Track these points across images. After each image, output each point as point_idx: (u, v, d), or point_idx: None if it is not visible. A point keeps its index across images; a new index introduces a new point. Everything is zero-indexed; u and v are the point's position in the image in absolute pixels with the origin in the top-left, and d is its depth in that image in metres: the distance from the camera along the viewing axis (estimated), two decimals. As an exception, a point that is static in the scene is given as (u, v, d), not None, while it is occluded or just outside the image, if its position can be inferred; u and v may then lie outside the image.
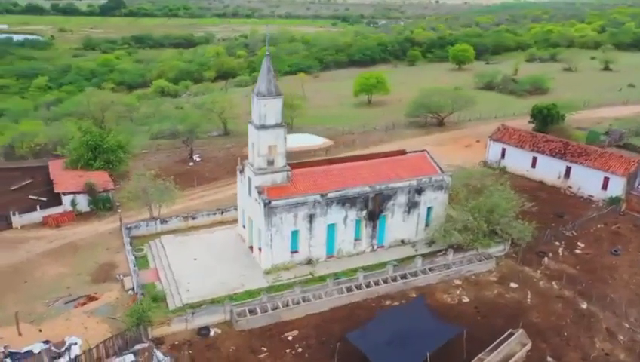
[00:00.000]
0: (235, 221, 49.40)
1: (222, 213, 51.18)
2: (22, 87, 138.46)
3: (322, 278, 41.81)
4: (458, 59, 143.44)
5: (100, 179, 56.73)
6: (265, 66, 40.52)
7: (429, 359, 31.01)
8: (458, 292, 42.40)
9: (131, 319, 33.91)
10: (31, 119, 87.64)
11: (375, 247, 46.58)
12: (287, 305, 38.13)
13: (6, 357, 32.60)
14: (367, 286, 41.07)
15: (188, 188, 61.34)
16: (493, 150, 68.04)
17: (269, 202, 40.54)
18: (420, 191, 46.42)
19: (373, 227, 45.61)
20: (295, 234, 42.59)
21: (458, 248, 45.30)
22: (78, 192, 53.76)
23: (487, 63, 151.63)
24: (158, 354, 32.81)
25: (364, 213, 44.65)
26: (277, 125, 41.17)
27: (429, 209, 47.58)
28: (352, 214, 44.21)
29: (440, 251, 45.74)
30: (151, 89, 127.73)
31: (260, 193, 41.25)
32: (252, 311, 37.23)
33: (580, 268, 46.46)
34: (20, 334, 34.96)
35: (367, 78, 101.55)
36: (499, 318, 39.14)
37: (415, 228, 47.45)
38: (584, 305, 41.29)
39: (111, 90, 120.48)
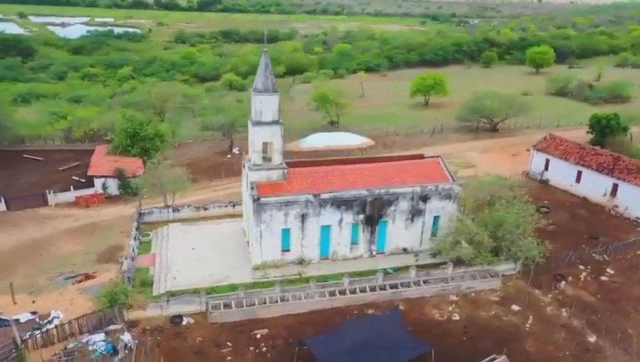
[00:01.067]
0: (243, 215, 50.16)
1: (233, 206, 52.04)
2: (108, 76, 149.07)
3: (312, 279, 41.21)
4: (535, 62, 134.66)
5: (132, 165, 59.94)
6: (262, 63, 40.58)
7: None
8: (450, 308, 40.02)
9: (104, 300, 35.54)
10: (100, 106, 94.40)
11: (374, 253, 45.15)
12: (264, 303, 38.10)
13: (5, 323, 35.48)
14: (353, 292, 39.93)
15: (216, 180, 63.12)
16: (537, 161, 63.32)
17: (259, 198, 40.64)
18: (424, 198, 44.29)
19: (372, 232, 44.24)
20: (286, 232, 42.37)
21: (461, 262, 42.73)
22: (109, 176, 57.14)
23: (571, 67, 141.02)
24: (125, 336, 34.15)
25: (361, 217, 43.43)
26: (273, 122, 41.10)
27: (436, 218, 45.28)
28: (349, 217, 43.16)
29: (444, 263, 43.36)
30: (220, 82, 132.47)
31: (251, 188, 41.49)
32: (227, 306, 37.59)
33: (601, 297, 42.09)
34: (14, 303, 37.89)
35: (424, 79, 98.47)
36: (487, 341, 36.45)
37: (419, 237, 45.38)
38: (592, 338, 37.34)
39: (183, 82, 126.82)
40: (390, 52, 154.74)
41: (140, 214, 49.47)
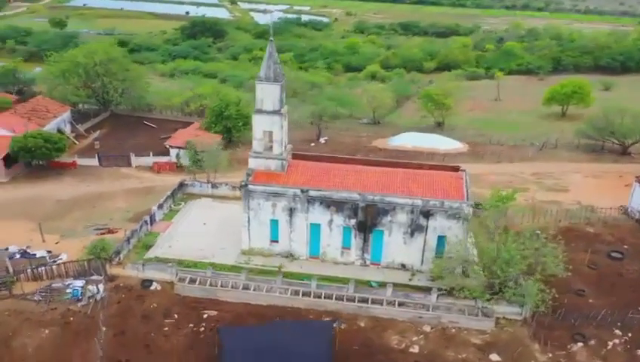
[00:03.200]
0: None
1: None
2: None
3: (289, 275, 40.72)
4: None
5: (210, 141, 65.00)
6: (267, 52, 40.64)
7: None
8: (415, 338, 35.96)
9: (87, 252, 40.15)
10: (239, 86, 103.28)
11: (367, 262, 42.39)
12: (225, 286, 38.96)
13: (20, 254, 42.71)
14: (318, 296, 38.37)
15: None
16: (638, 196, 51.63)
17: (246, 185, 41.28)
18: (427, 214, 39.96)
19: (365, 240, 41.56)
20: (275, 223, 42.25)
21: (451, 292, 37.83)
22: (183, 148, 62.98)
23: None
24: (92, 287, 38.34)
25: (353, 221, 41.09)
26: (274, 112, 41.03)
27: (442, 238, 40.53)
28: (339, 220, 41.20)
29: (440, 289, 38.60)
30: (362, 73, 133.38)
31: (246, 175, 42.28)
32: (193, 281, 39.36)
33: (622, 377, 33.65)
34: (43, 241, 44.97)
35: (562, 87, 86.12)
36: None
37: (420, 256, 41.18)
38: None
39: (324, 70, 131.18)
40: (560, 54, 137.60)
41: (182, 185, 53.75)
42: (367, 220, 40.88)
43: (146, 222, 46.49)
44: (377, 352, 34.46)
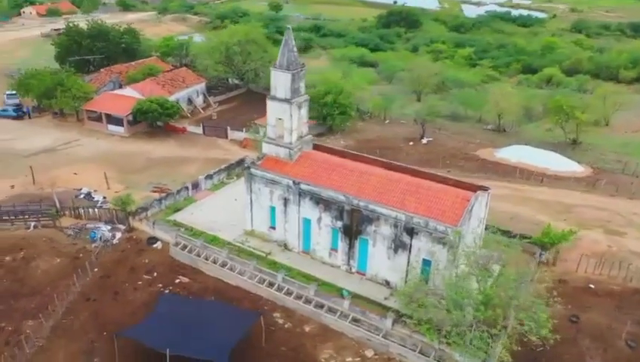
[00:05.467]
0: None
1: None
2: (451, 54, 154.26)
3: (273, 264, 40.88)
4: None
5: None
6: (283, 40, 40.31)
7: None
8: (349, 359, 33.25)
9: (114, 203, 45.91)
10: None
11: (353, 270, 39.87)
12: (206, 259, 40.96)
13: (84, 195, 50.96)
14: (280, 290, 37.87)
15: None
16: None
17: (249, 168, 42.24)
18: (410, 231, 35.77)
19: (350, 246, 39.11)
20: (273, 210, 42.45)
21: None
22: (269, 128, 66.21)
23: None
24: (106, 232, 44.09)
25: (339, 224, 39.00)
26: (285, 100, 40.79)
27: (428, 262, 35.94)
28: (327, 219, 39.49)
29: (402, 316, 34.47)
30: (535, 76, 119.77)
31: (257, 158, 43.21)
32: (185, 247, 42.26)
33: None
34: (108, 188, 52.71)
35: None
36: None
37: (404, 275, 37.15)
38: None
39: (491, 69, 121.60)
40: None
41: (241, 161, 56.88)
42: (352, 225, 38.45)
43: (187, 188, 50.92)
44: (302, 361, 32.88)
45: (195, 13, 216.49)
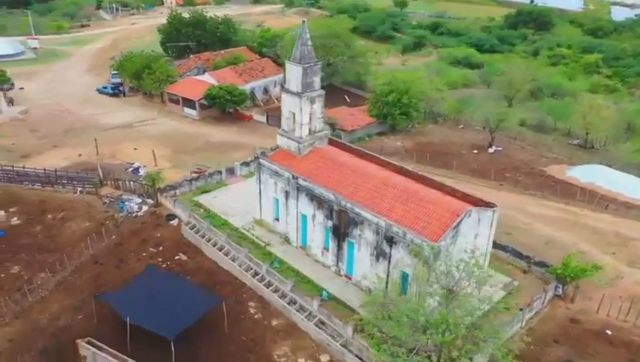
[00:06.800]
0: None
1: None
2: (574, 60, 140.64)
3: (268, 254, 41.29)
4: None
5: (354, 122, 66.53)
6: (299, 33, 40.02)
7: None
8: (301, 361, 32.47)
9: (146, 179, 49.24)
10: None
11: (341, 272, 38.71)
12: (208, 241, 42.46)
13: (132, 170, 55.36)
14: (262, 281, 38.09)
15: (431, 167, 59.14)
16: None
17: (257, 158, 42.78)
18: (390, 240, 33.77)
19: (339, 247, 37.99)
20: (277, 202, 42.61)
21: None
22: (327, 123, 66.15)
23: None
24: (134, 205, 47.58)
25: (330, 223, 38.06)
26: (296, 93, 40.58)
27: (406, 275, 33.74)
28: (320, 217, 38.76)
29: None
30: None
31: (270, 148, 43.64)
32: (193, 227, 44.19)
33: None
34: (155, 165, 56.62)
35: None
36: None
37: (384, 286, 35.20)
38: None
39: (609, 78, 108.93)
40: None
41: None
42: (340, 226, 37.33)
43: (220, 172, 53.01)
44: (255, 353, 32.93)
45: (319, 7, 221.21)
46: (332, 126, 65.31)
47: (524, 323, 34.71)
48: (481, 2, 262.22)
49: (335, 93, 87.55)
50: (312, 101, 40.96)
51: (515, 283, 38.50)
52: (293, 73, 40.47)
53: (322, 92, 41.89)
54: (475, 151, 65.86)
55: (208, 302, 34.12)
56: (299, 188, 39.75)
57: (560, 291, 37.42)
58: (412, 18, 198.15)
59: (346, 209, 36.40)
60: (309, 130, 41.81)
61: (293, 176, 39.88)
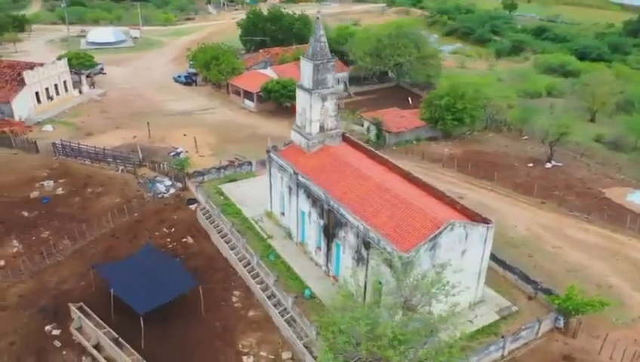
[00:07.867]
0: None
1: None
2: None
3: (267, 247, 41.74)
4: None
5: (400, 124, 64.75)
6: (314, 30, 39.70)
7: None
8: (264, 354, 32.59)
9: (175, 164, 51.67)
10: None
11: (330, 273, 38.01)
12: (216, 228, 43.78)
13: (174, 154, 58.34)
14: (251, 272, 38.60)
15: (476, 178, 56.42)
16: None
17: (268, 151, 43.19)
18: (367, 246, 32.57)
19: (328, 247, 37.34)
20: (282, 196, 42.77)
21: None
22: (372, 123, 65.06)
23: None
24: (161, 186, 50.24)
25: (322, 222, 37.52)
26: (308, 90, 40.37)
27: (380, 284, 32.39)
28: (314, 215, 38.35)
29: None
30: None
31: (284, 144, 43.88)
32: (206, 213, 45.77)
33: None
34: (197, 152, 59.21)
35: None
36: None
37: (362, 291, 34.07)
38: None
39: None
40: None
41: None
42: (329, 226, 36.68)
43: (250, 163, 54.26)
44: (223, 340, 33.54)
45: (421, 8, 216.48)
46: (378, 126, 64.10)
47: (506, 352, 31.78)
48: (602, 6, 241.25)
49: (401, 94, 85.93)
50: (323, 98, 40.55)
51: (513, 308, 35.37)
52: (306, 69, 40.34)
53: (335, 90, 41.28)
54: (530, 164, 60.93)
55: (186, 285, 35.23)
56: (298, 185, 39.63)
57: (561, 323, 33.70)
58: (519, 21, 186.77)
59: (333, 209, 35.70)
60: (320, 127, 41.44)
61: (294, 172, 39.82)
